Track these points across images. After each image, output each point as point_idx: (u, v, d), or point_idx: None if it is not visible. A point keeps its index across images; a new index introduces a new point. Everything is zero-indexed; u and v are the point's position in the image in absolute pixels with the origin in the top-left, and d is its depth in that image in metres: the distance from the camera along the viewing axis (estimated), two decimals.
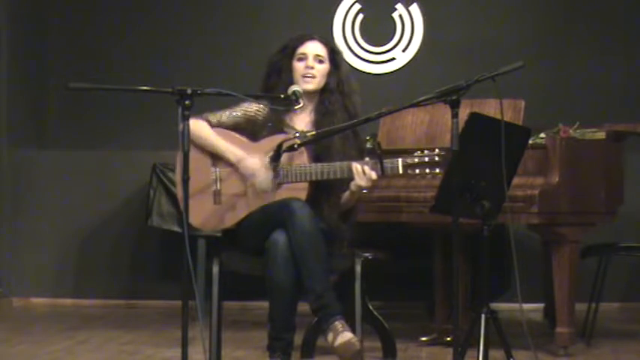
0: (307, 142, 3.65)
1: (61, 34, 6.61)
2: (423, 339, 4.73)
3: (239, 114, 3.81)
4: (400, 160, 3.52)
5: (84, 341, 4.91)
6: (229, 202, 3.70)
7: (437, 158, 3.49)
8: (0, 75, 6.22)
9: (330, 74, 3.83)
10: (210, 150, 3.72)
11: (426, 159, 3.49)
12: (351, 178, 3.59)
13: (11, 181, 6.35)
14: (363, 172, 3.55)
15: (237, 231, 3.72)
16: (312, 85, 3.79)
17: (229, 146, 3.73)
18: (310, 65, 3.79)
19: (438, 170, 3.50)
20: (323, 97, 3.82)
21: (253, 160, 3.70)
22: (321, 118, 3.79)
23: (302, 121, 3.85)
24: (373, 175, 3.55)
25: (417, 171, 3.51)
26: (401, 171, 3.52)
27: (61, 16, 6.61)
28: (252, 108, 3.82)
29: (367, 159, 3.60)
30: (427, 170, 3.50)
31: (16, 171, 6.38)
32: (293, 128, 3.80)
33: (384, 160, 3.53)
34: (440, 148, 3.53)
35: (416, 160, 3.50)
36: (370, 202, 4.72)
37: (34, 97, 6.55)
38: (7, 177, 6.32)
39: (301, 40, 3.85)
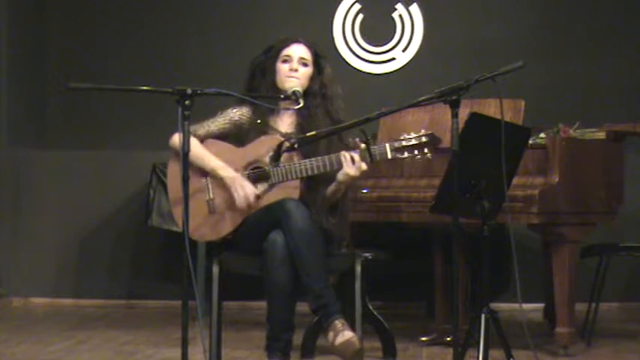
0: (307, 142, 3.64)
1: (61, 34, 6.61)
2: (423, 339, 4.74)
3: (225, 121, 3.82)
4: (387, 144, 3.53)
5: (84, 341, 4.91)
6: (223, 210, 3.71)
7: (423, 139, 3.50)
8: (0, 75, 6.23)
9: (313, 78, 3.84)
10: (199, 165, 3.71)
11: (413, 141, 3.50)
12: (341, 169, 3.59)
13: (11, 181, 6.35)
14: (352, 161, 3.55)
15: (236, 233, 3.72)
16: (295, 83, 3.79)
17: (216, 160, 3.73)
18: (295, 68, 3.80)
19: (426, 151, 3.50)
20: (307, 100, 3.82)
21: (236, 175, 3.70)
22: (304, 121, 3.79)
23: (285, 123, 3.85)
24: (363, 165, 3.55)
25: (406, 154, 3.51)
26: (389, 155, 3.52)
27: (61, 16, 6.62)
28: (236, 113, 3.84)
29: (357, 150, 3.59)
30: (416, 152, 3.50)
31: (16, 171, 6.38)
32: (276, 130, 3.81)
33: (372, 147, 3.53)
34: (426, 131, 3.53)
35: (403, 143, 3.51)
36: (370, 202, 4.72)
37: (34, 97, 6.56)
38: (7, 177, 6.32)
39: (286, 43, 3.85)
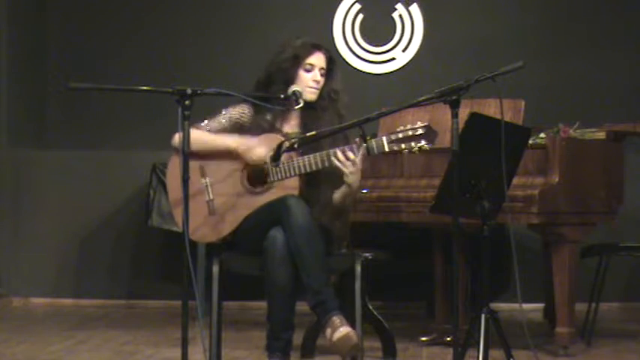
0: (307, 142, 3.64)
1: (61, 34, 6.61)
2: (423, 339, 4.74)
3: (225, 120, 3.82)
4: (384, 137, 3.53)
5: (84, 341, 4.91)
6: (223, 211, 3.71)
7: (420, 130, 3.50)
8: (0, 75, 6.23)
9: (324, 83, 3.86)
10: (209, 148, 3.71)
11: (410, 132, 3.50)
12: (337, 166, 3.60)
13: (11, 181, 6.36)
14: (346, 158, 3.56)
15: (236, 232, 3.72)
16: (315, 96, 3.81)
17: (225, 137, 3.75)
18: (317, 80, 3.81)
19: (423, 142, 3.50)
20: (313, 102, 3.83)
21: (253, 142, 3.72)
22: (309, 122, 3.80)
23: (288, 123, 3.86)
24: (357, 160, 3.56)
25: (403, 146, 3.51)
26: (387, 148, 3.52)
27: (61, 15, 6.62)
28: (236, 111, 3.84)
29: (352, 146, 3.60)
30: (412, 144, 3.50)
31: (16, 171, 6.38)
32: (279, 130, 3.81)
33: (369, 141, 3.53)
34: (422, 123, 3.54)
35: (400, 135, 3.51)
36: (370, 202, 4.72)
37: (34, 97, 6.56)
38: (7, 177, 6.32)
39: (310, 51, 3.84)
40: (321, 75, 3.84)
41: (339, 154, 3.57)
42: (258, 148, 3.69)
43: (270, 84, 3.83)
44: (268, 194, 3.68)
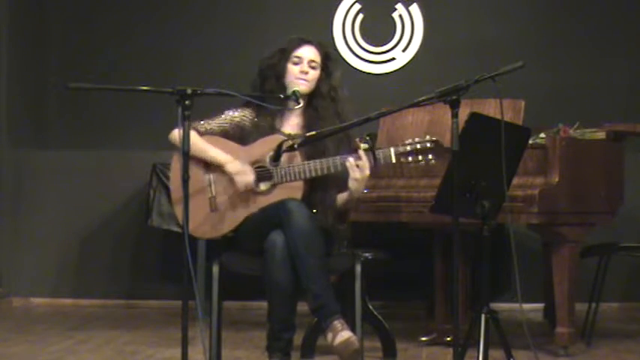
0: (307, 142, 3.65)
1: (61, 34, 6.62)
2: (423, 339, 4.74)
3: (226, 121, 3.82)
4: (392, 148, 3.54)
5: (84, 341, 4.91)
6: (224, 207, 3.71)
7: (428, 145, 3.51)
8: (0, 75, 6.23)
9: (321, 80, 3.84)
10: (198, 155, 3.71)
11: (418, 146, 3.51)
12: (345, 172, 3.60)
13: (11, 181, 6.36)
14: (356, 165, 3.56)
15: (237, 232, 3.72)
16: (304, 87, 3.79)
17: (217, 150, 3.74)
18: (305, 70, 3.80)
19: (431, 157, 3.50)
20: (314, 102, 3.83)
21: (238, 163, 3.71)
22: (311, 122, 3.80)
23: (290, 124, 3.85)
24: (367, 170, 3.56)
25: (410, 159, 3.52)
26: (394, 159, 3.53)
27: (61, 16, 6.62)
28: (237, 114, 3.83)
29: (360, 152, 3.60)
30: (420, 158, 3.52)
31: (16, 171, 6.38)
32: (281, 132, 3.80)
33: (377, 151, 3.54)
34: (431, 137, 3.54)
35: (408, 148, 3.52)
36: (370, 202, 4.72)
37: (34, 97, 6.56)
38: (7, 177, 6.32)
39: (298, 43, 3.84)
40: (312, 68, 3.82)
41: (351, 159, 3.57)
42: (247, 176, 3.68)
43: (264, 80, 3.83)
44: (271, 195, 3.68)
